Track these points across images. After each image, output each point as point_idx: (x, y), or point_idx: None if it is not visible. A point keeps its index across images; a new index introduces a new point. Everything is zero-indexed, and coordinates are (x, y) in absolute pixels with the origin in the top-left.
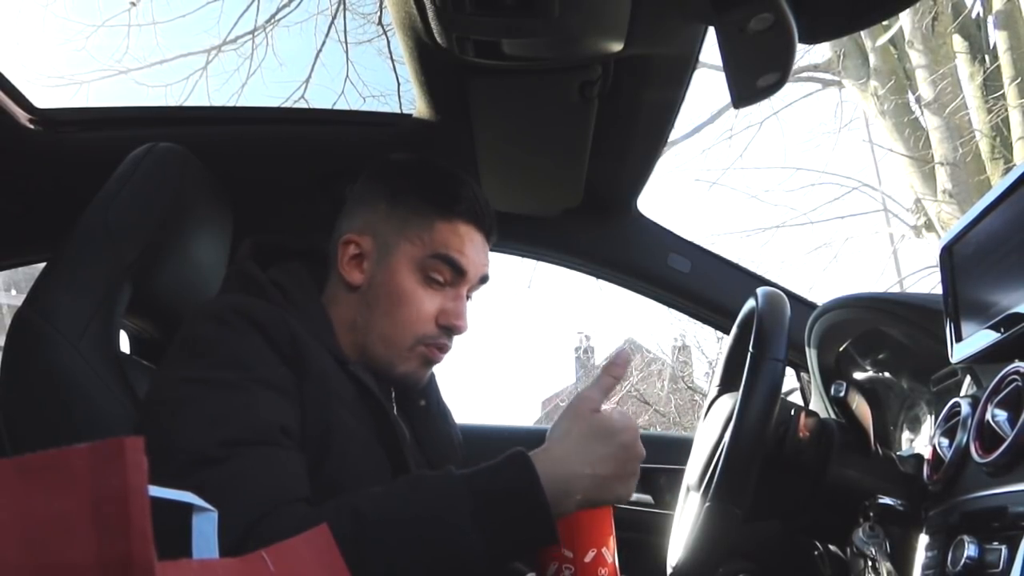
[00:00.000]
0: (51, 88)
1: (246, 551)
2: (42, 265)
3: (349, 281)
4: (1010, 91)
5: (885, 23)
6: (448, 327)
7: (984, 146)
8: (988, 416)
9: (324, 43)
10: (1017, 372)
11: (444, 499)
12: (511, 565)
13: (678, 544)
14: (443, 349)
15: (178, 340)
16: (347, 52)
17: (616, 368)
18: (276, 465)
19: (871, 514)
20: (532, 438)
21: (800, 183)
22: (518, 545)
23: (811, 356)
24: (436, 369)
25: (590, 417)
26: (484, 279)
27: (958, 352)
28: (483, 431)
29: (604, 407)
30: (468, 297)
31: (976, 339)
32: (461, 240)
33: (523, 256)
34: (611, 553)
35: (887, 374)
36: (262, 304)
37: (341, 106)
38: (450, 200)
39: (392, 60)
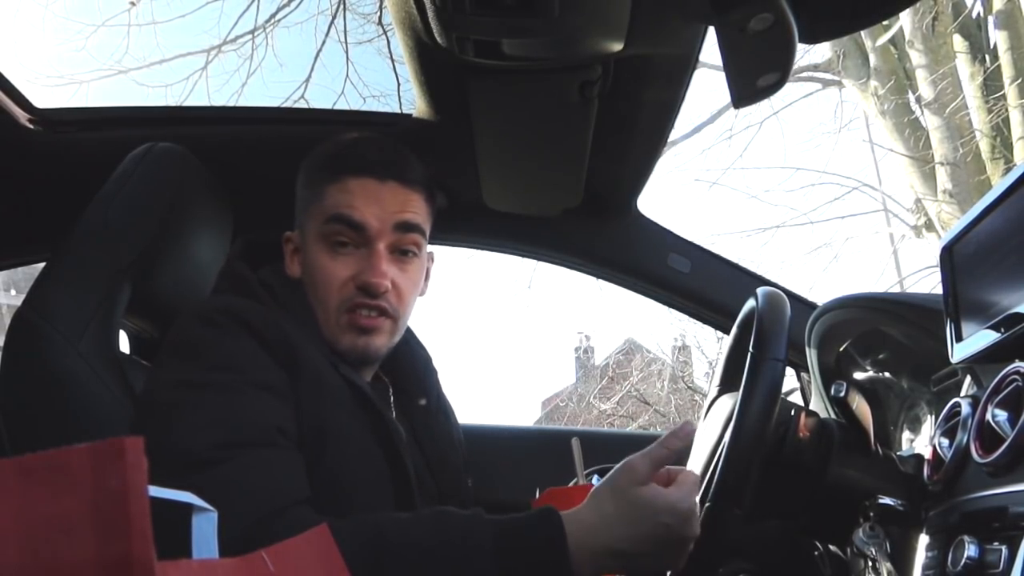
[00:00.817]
0: (50, 87)
1: (249, 550)
2: (42, 265)
3: (292, 276)
4: (1010, 91)
5: (885, 23)
6: (362, 286)
7: (984, 146)
8: (988, 416)
9: (324, 43)
10: (1017, 372)
11: (470, 538)
12: None
13: None
14: (369, 311)
15: (170, 342)
16: (347, 52)
17: (675, 441)
18: (274, 466)
19: (871, 514)
20: (532, 438)
21: (800, 183)
22: None
23: (811, 356)
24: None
25: (630, 493)
26: (402, 226)
27: (958, 352)
28: (483, 431)
29: (652, 480)
30: (407, 253)
31: (976, 339)
32: (351, 195)
33: (523, 256)
34: None
35: (887, 374)
36: (253, 305)
37: (341, 106)
38: (333, 162)
39: (392, 60)
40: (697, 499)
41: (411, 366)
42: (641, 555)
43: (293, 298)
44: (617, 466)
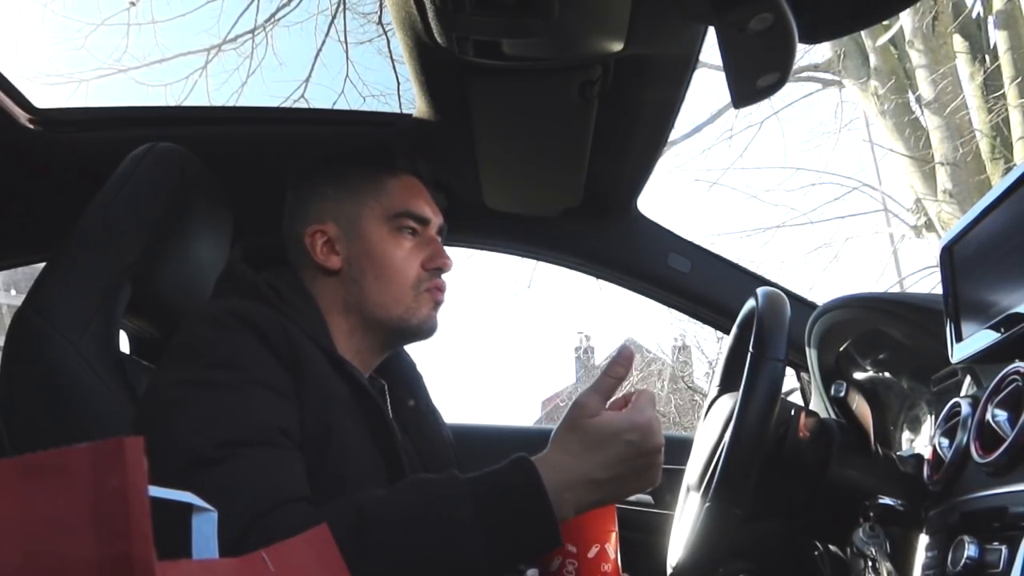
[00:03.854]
0: (50, 87)
1: (247, 549)
2: (42, 265)
3: (329, 267)
4: (1010, 91)
5: (885, 23)
6: (437, 267)
7: (984, 146)
8: (988, 416)
9: (324, 43)
10: (1017, 372)
11: (448, 501)
12: (513, 567)
13: (678, 544)
14: (442, 288)
15: (175, 343)
16: (347, 52)
17: (617, 368)
18: (275, 465)
19: (871, 514)
20: (532, 438)
21: (800, 183)
22: (520, 547)
23: (811, 356)
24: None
25: (586, 425)
26: (442, 229)
27: (958, 352)
28: (483, 431)
29: (606, 410)
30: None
31: (976, 339)
32: (413, 191)
33: (523, 256)
34: (614, 549)
35: (887, 374)
36: (258, 307)
37: (341, 105)
38: (388, 157)
39: (392, 60)
40: (653, 410)
41: (400, 369)
42: (616, 478)
43: (299, 299)
44: (569, 406)
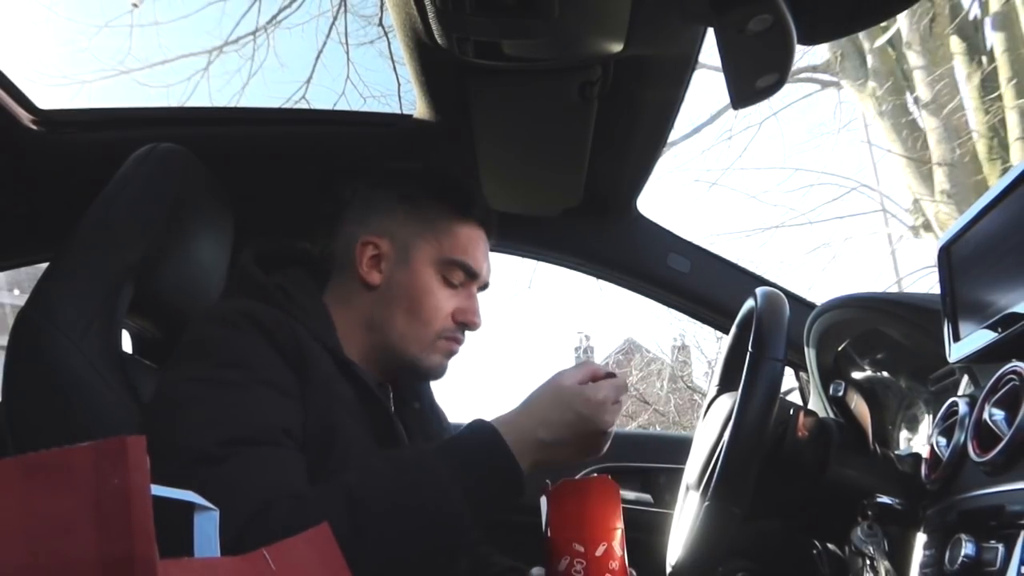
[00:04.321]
0: (53, 88)
1: (244, 547)
2: (45, 265)
3: (368, 281)
4: (1007, 92)
5: (883, 24)
6: (465, 323)
7: (981, 147)
8: (986, 415)
9: (325, 44)
10: (1014, 371)
11: (425, 467)
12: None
13: (678, 543)
14: (460, 342)
15: (184, 343)
16: (348, 53)
17: (598, 366)
18: (276, 465)
19: (869, 513)
20: None
21: (799, 183)
22: (494, 499)
23: (810, 356)
24: None
25: (550, 388)
26: (486, 287)
27: (956, 352)
28: None
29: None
30: None
31: (974, 339)
32: (475, 244)
33: (523, 256)
34: (620, 546)
35: (885, 374)
36: (266, 308)
37: (342, 106)
38: (467, 202)
39: (392, 61)
40: (615, 396)
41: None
42: (559, 442)
43: (307, 300)
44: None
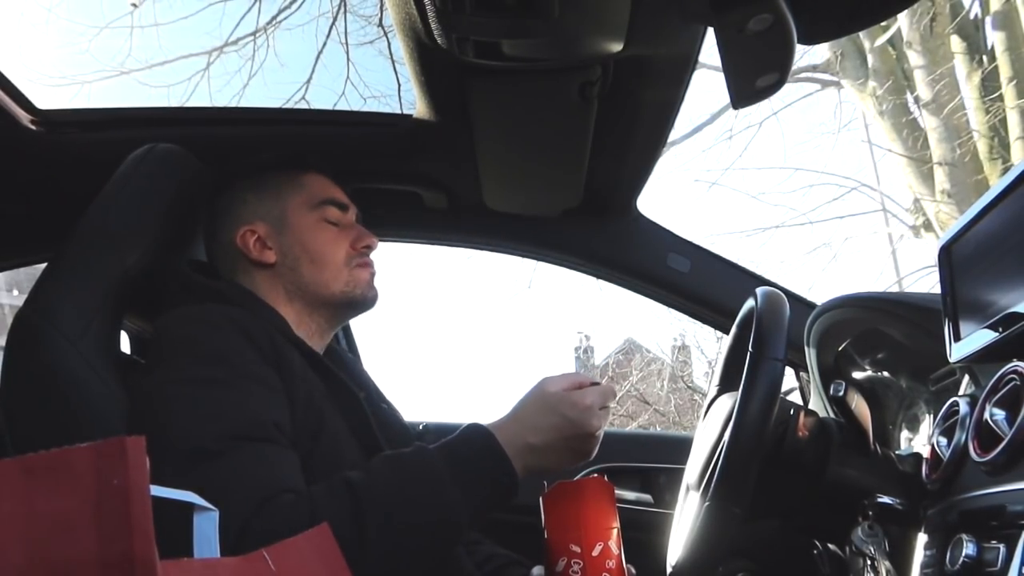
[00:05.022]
0: (52, 87)
1: (247, 541)
2: (43, 266)
3: (265, 261)
4: (1008, 91)
5: (884, 24)
6: (366, 246)
7: (982, 146)
8: (986, 415)
9: (325, 44)
10: (1015, 371)
11: (426, 468)
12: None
13: (678, 543)
14: (370, 264)
15: (157, 345)
16: (348, 53)
17: (588, 374)
18: (271, 459)
19: (870, 513)
20: None
21: (799, 183)
22: (490, 498)
23: (810, 356)
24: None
25: (538, 394)
26: (359, 218)
27: (956, 351)
28: None
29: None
30: None
31: (974, 339)
32: (326, 184)
33: (523, 256)
34: (617, 546)
35: (886, 373)
36: (233, 308)
37: (342, 107)
38: (299, 158)
39: (393, 61)
40: (601, 401)
41: (344, 362)
42: (549, 447)
43: (256, 302)
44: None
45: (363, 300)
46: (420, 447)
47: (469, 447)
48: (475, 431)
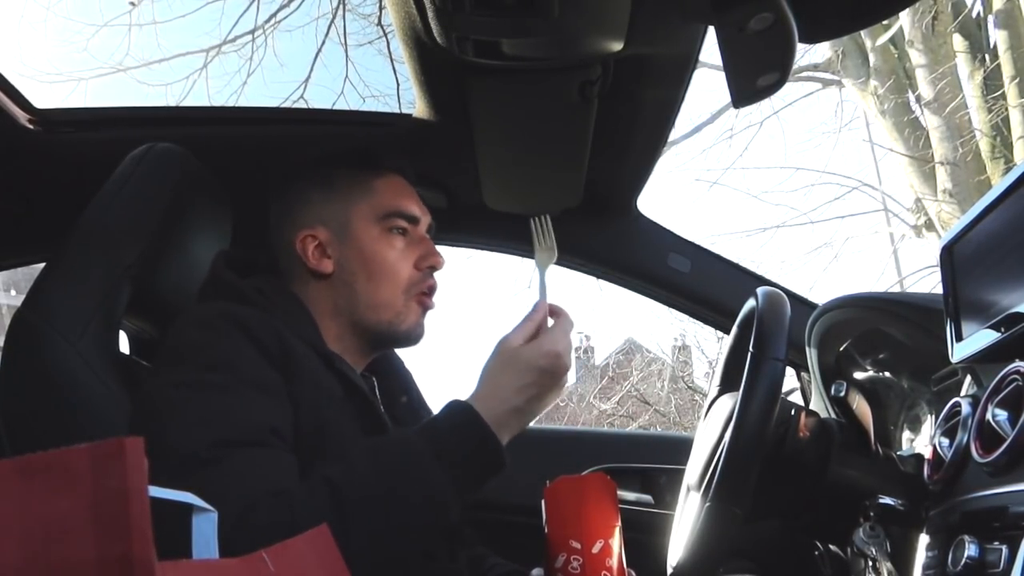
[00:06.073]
0: (50, 84)
1: (238, 547)
2: (42, 265)
3: (321, 271)
4: (1010, 90)
5: (885, 22)
6: (429, 267)
7: (984, 145)
8: (988, 416)
9: (324, 44)
10: (1017, 372)
11: (408, 450)
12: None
13: (678, 544)
14: (431, 292)
15: (166, 347)
16: (347, 53)
17: (536, 314)
18: (266, 465)
19: (871, 514)
20: (531, 437)
21: (800, 183)
22: (477, 476)
23: (811, 356)
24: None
25: (509, 352)
26: (431, 228)
27: (958, 352)
28: None
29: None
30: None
31: (976, 339)
32: (400, 189)
33: (523, 256)
34: (618, 543)
35: (887, 374)
36: (246, 309)
37: (341, 106)
38: (373, 158)
39: (392, 61)
40: (562, 337)
41: (391, 365)
42: (531, 400)
43: (286, 302)
44: (496, 344)
45: (406, 337)
46: (400, 431)
47: (450, 423)
48: (456, 407)
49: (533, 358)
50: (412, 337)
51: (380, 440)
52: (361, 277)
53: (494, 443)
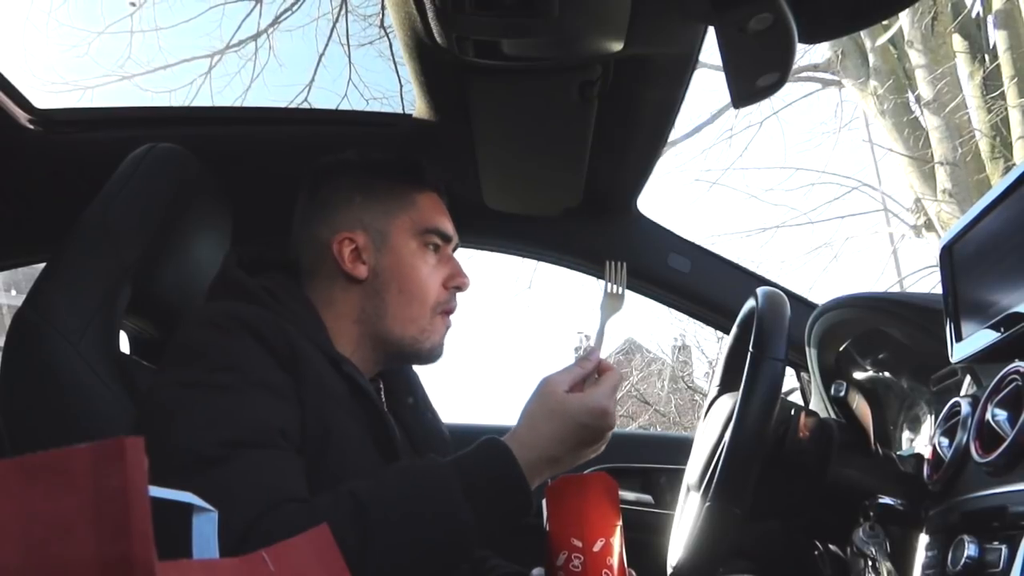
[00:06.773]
0: (55, 93)
1: (247, 550)
2: (42, 265)
3: (355, 275)
4: (1009, 90)
5: (885, 23)
6: (456, 288)
7: (984, 145)
8: (988, 416)
9: (327, 46)
10: (1017, 372)
11: (437, 481)
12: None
13: (678, 544)
14: (454, 311)
15: (173, 346)
16: (349, 55)
17: (587, 363)
18: (273, 466)
19: (871, 514)
20: None
21: (800, 183)
22: (503, 518)
23: (811, 356)
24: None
25: (551, 403)
26: (457, 247)
27: (958, 352)
28: (483, 431)
29: (568, 392)
30: None
31: (976, 339)
32: (438, 207)
33: (523, 256)
34: (619, 543)
35: (887, 374)
36: (255, 309)
37: (343, 108)
38: (419, 173)
39: (394, 61)
40: (614, 396)
41: (397, 368)
42: (568, 454)
43: (294, 302)
44: (539, 383)
45: (428, 354)
46: (434, 459)
47: (484, 463)
48: (492, 446)
49: (580, 412)
50: (433, 355)
51: (411, 465)
52: (393, 288)
53: (525, 489)
